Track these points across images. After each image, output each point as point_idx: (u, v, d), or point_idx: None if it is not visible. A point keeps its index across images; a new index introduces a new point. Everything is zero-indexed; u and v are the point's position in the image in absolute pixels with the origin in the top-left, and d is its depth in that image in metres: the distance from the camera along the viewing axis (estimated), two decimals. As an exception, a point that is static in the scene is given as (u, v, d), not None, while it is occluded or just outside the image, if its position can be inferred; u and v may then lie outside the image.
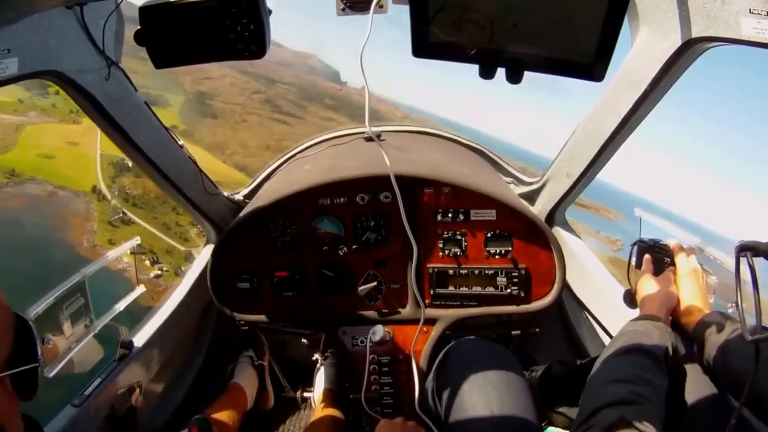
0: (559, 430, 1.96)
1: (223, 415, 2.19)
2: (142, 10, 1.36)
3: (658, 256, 1.83)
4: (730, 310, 1.60)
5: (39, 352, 1.09)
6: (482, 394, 1.63)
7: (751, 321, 1.21)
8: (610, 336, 2.20)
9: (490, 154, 3.06)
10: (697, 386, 1.49)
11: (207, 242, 2.76)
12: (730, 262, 1.64)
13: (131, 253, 2.21)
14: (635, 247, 1.92)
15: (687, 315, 1.63)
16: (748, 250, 1.13)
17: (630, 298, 1.85)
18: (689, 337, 1.59)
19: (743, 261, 1.14)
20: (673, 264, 1.77)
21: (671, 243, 1.81)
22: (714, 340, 1.46)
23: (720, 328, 1.47)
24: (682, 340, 1.61)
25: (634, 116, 1.79)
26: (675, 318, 1.67)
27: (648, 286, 1.74)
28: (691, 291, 1.66)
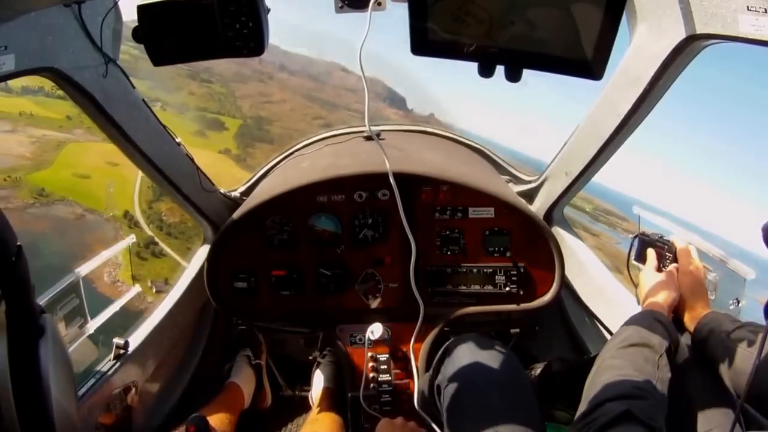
0: (560, 426, 1.96)
1: (220, 415, 2.18)
2: (141, 8, 1.36)
3: (660, 251, 1.84)
4: (731, 307, 1.61)
5: None
6: (483, 391, 1.63)
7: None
8: (610, 333, 2.21)
9: (489, 153, 3.06)
10: (699, 381, 1.50)
11: (203, 241, 2.75)
12: (730, 260, 1.67)
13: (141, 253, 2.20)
14: (636, 240, 1.95)
15: (689, 311, 1.64)
16: None
17: None
18: (691, 333, 1.59)
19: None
20: (675, 260, 1.77)
21: (674, 239, 1.81)
22: (716, 337, 1.47)
23: (722, 326, 1.47)
24: (684, 336, 1.62)
25: (635, 115, 1.79)
26: (676, 314, 1.68)
27: (651, 280, 1.75)
28: (693, 288, 1.67)
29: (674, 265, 1.77)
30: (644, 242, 1.92)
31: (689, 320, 1.63)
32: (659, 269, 1.82)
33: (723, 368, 1.43)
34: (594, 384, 1.36)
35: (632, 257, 1.98)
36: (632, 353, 1.40)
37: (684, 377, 1.49)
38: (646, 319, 1.54)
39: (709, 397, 1.46)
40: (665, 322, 1.53)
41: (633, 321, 1.56)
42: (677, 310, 1.68)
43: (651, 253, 1.87)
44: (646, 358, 1.37)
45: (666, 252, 1.82)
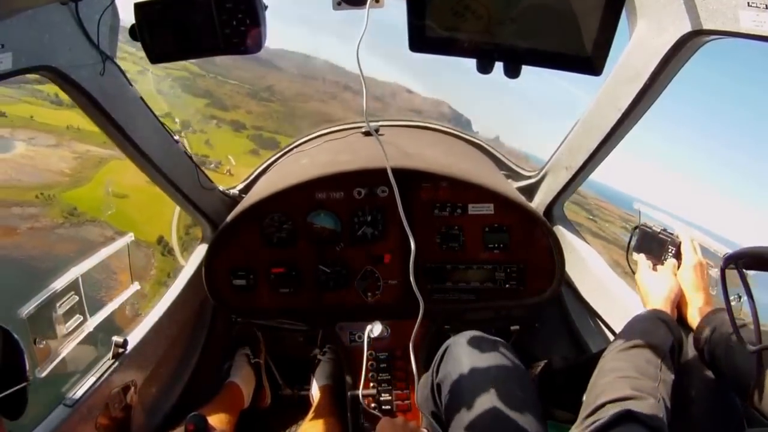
0: (561, 425, 1.96)
1: (220, 415, 2.19)
2: (137, 5, 1.36)
3: (662, 244, 1.83)
4: (732, 303, 1.60)
5: (27, 369, 1.07)
6: (484, 388, 1.62)
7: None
8: (611, 330, 2.21)
9: (489, 148, 3.05)
10: (701, 381, 1.49)
11: (202, 239, 2.74)
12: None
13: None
14: (636, 231, 1.94)
15: (692, 308, 1.63)
16: (737, 259, 1.10)
17: None
18: (693, 331, 1.59)
19: (734, 273, 1.11)
20: (677, 254, 1.77)
21: (678, 233, 1.81)
22: (718, 337, 1.46)
23: (724, 325, 1.47)
24: (686, 334, 1.61)
25: (635, 110, 1.79)
26: (679, 310, 1.67)
27: (649, 280, 1.74)
28: (696, 284, 1.67)
29: (673, 260, 1.76)
30: (645, 234, 1.92)
31: (692, 318, 1.62)
32: (659, 263, 1.82)
33: (725, 367, 1.43)
34: (595, 386, 1.36)
35: (632, 248, 1.97)
36: (634, 355, 1.40)
37: (688, 376, 1.49)
38: (648, 319, 1.54)
39: (712, 397, 1.46)
40: (669, 321, 1.53)
41: (635, 322, 1.56)
42: (680, 306, 1.67)
43: (641, 257, 1.87)
44: (648, 359, 1.37)
45: (669, 245, 1.81)
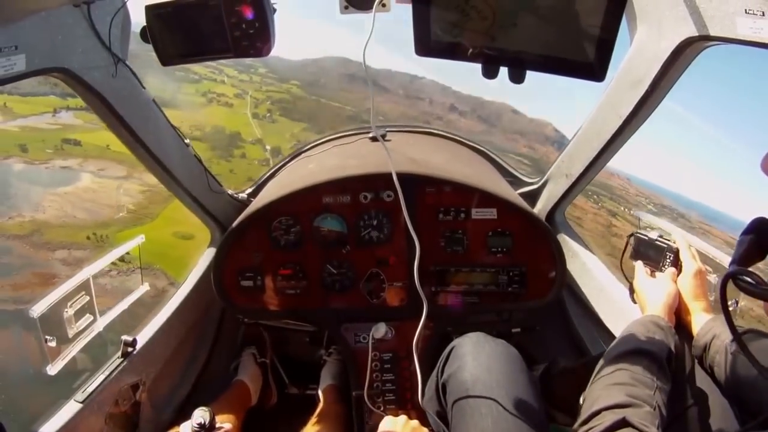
0: (562, 427, 1.97)
1: (227, 412, 2.21)
2: (149, 8, 1.39)
3: (659, 251, 1.82)
4: (730, 309, 1.60)
5: None
6: (488, 389, 1.63)
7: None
8: (611, 334, 2.22)
9: (492, 155, 3.08)
10: (701, 388, 1.49)
11: (210, 241, 2.77)
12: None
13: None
14: (631, 239, 1.93)
15: (692, 316, 1.63)
16: (740, 275, 1.05)
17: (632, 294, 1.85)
18: (692, 339, 1.59)
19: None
20: (676, 261, 1.76)
21: (675, 240, 1.80)
22: (718, 344, 1.47)
23: (724, 333, 1.47)
24: (686, 341, 1.60)
25: (636, 117, 1.80)
26: (678, 317, 1.67)
27: (646, 287, 1.74)
28: (695, 292, 1.66)
29: (672, 269, 1.76)
30: (641, 241, 1.90)
31: (692, 325, 1.62)
32: (657, 270, 1.81)
33: (724, 375, 1.43)
34: (591, 394, 1.37)
35: (628, 256, 1.96)
36: (631, 362, 1.39)
37: (687, 383, 1.49)
38: (644, 326, 1.53)
39: (710, 404, 1.45)
40: (665, 327, 1.52)
41: (632, 328, 1.55)
42: (680, 313, 1.67)
43: (639, 264, 1.86)
44: (645, 366, 1.37)
45: (666, 252, 1.80)
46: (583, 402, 1.37)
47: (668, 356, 1.43)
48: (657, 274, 1.81)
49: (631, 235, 1.94)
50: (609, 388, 1.33)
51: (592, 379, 1.44)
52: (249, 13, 1.35)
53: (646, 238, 1.88)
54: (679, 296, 1.68)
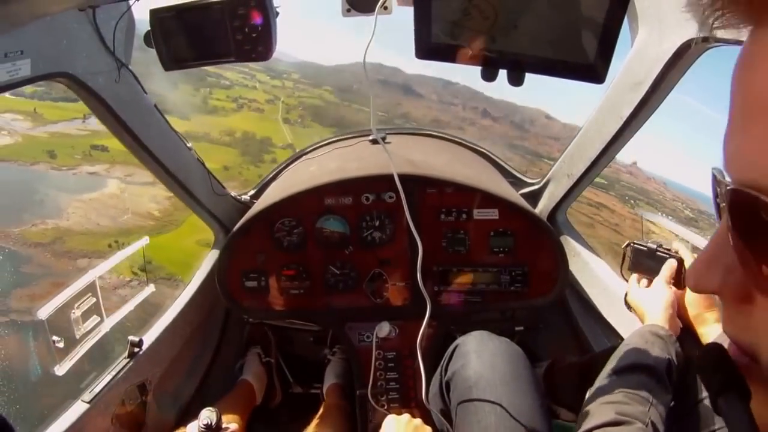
0: (565, 423, 1.98)
1: (233, 412, 2.23)
2: (152, 12, 1.40)
3: (661, 261, 1.71)
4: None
5: None
6: (492, 386, 1.65)
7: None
8: (613, 330, 2.22)
9: (493, 156, 3.09)
10: (705, 397, 1.41)
11: (214, 243, 2.79)
12: None
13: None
14: (628, 249, 1.80)
15: (702, 326, 1.58)
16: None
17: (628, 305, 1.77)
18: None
19: None
20: (680, 271, 1.66)
21: (678, 249, 1.72)
22: None
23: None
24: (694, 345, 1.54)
25: (636, 118, 1.81)
26: (690, 328, 1.60)
27: (643, 296, 1.68)
28: (706, 302, 1.59)
29: (665, 273, 1.67)
30: (639, 252, 1.77)
31: (705, 336, 1.56)
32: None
33: None
34: (585, 408, 1.37)
35: (624, 267, 1.84)
36: (626, 379, 1.37)
37: (690, 392, 1.44)
38: (643, 337, 1.48)
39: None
40: (665, 336, 1.47)
41: (630, 341, 1.50)
42: (693, 324, 1.59)
43: (633, 278, 1.78)
44: (640, 382, 1.34)
45: (668, 257, 1.71)
46: (578, 418, 1.37)
47: (668, 366, 1.39)
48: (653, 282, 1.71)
49: (628, 245, 1.81)
50: (601, 407, 1.32)
51: (587, 395, 1.42)
52: (258, 19, 1.36)
53: (645, 248, 1.75)
54: (682, 303, 1.62)
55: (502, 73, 1.06)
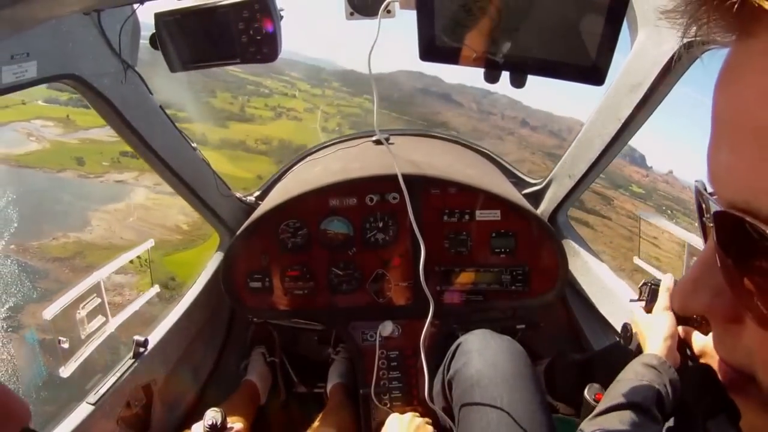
0: (564, 417, 1.99)
1: (237, 412, 2.24)
2: (158, 15, 1.41)
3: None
4: None
5: None
6: (494, 383, 1.66)
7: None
8: (614, 329, 2.23)
9: (495, 157, 3.11)
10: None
11: (219, 243, 2.81)
12: None
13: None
14: (644, 287, 1.65)
15: (706, 358, 1.46)
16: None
17: (625, 336, 1.67)
18: None
19: None
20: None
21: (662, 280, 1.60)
22: None
23: None
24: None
25: (635, 120, 1.83)
26: (693, 356, 1.48)
27: (646, 323, 1.57)
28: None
29: (663, 301, 1.55)
30: (655, 292, 1.61)
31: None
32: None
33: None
34: None
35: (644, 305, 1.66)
36: (611, 419, 1.32)
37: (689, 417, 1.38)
38: (635, 372, 1.41)
39: None
40: (658, 365, 1.40)
41: (622, 377, 1.43)
42: (688, 343, 1.48)
43: (636, 305, 1.65)
44: (628, 421, 1.29)
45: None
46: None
47: (658, 397, 1.33)
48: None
49: (644, 284, 1.66)
50: None
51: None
52: (262, 22, 1.38)
53: (656, 287, 1.60)
54: (676, 325, 1.50)
55: (505, 77, 1.08)
